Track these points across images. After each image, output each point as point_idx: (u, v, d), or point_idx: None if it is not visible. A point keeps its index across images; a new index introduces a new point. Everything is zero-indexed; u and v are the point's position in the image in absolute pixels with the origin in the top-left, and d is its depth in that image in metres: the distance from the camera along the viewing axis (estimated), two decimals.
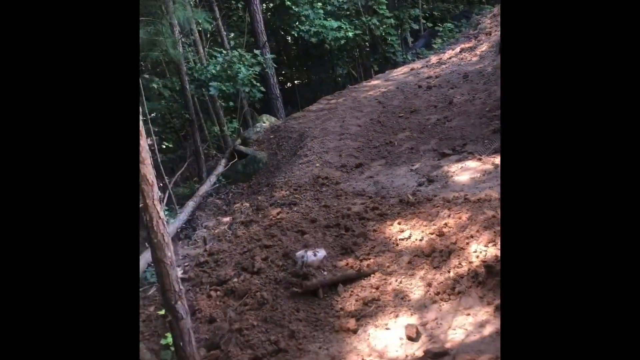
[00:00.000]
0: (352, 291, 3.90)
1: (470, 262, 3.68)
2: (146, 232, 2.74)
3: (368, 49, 13.77)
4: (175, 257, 6.01)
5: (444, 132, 6.73)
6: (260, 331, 3.60)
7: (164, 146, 11.95)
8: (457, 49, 10.98)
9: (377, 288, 3.84)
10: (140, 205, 2.58)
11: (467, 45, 11.03)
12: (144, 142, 2.51)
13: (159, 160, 8.09)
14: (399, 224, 4.62)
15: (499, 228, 3.82)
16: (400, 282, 3.85)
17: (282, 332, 3.56)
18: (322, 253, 4.22)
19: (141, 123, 2.41)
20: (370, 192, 5.53)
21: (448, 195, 4.90)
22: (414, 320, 3.44)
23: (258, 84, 9.38)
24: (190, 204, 7.32)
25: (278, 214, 5.49)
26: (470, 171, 5.31)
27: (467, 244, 3.86)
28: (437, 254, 3.95)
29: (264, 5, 12.97)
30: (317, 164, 6.63)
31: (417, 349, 3.22)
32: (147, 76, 9.50)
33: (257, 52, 9.81)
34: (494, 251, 3.61)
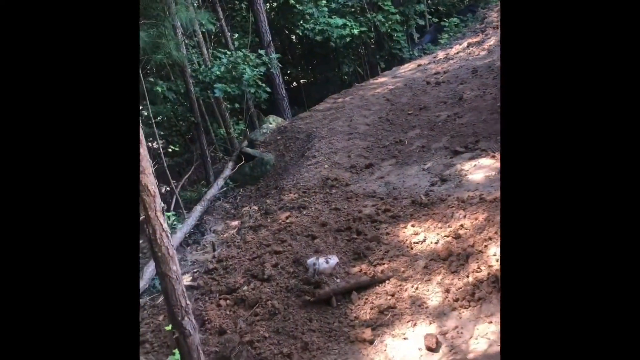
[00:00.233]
0: (366, 299, 3.75)
1: (490, 266, 3.51)
2: (149, 245, 2.60)
3: (374, 46, 13.57)
4: (184, 263, 5.92)
5: (455, 129, 6.55)
6: (272, 343, 3.46)
7: (170, 150, 11.86)
8: (465, 44, 10.77)
9: (392, 295, 3.68)
10: (142, 217, 2.44)
11: (474, 39, 10.83)
12: (145, 151, 2.37)
13: (166, 164, 7.99)
14: (413, 226, 4.46)
15: None
16: (417, 288, 3.69)
17: (295, 344, 3.42)
18: (334, 260, 4.06)
19: (140, 130, 2.26)
20: (381, 193, 5.37)
21: (462, 195, 4.73)
22: (433, 329, 3.28)
23: (263, 85, 9.24)
24: (198, 209, 7.20)
25: (287, 218, 5.34)
26: (484, 169, 5.13)
27: (486, 246, 3.69)
28: (454, 258, 3.79)
29: (267, 4, 12.82)
30: (326, 165, 6.48)
31: None
32: (151, 79, 9.38)
33: (261, 52, 9.66)
34: None
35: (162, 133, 10.54)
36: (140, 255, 5.85)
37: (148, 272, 5.21)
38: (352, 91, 9.78)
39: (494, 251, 3.59)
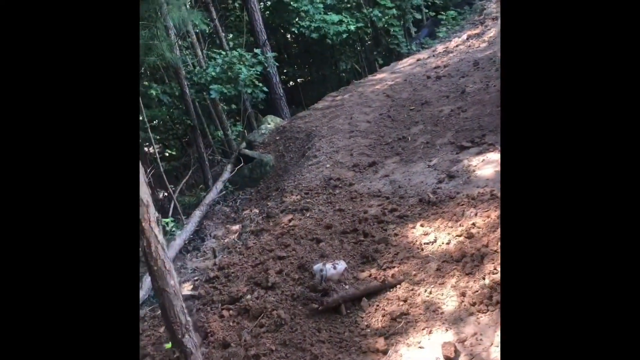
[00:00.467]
0: (377, 305, 3.54)
1: None
2: (144, 258, 2.40)
3: (371, 42, 13.37)
4: (184, 270, 5.72)
5: (459, 123, 6.36)
6: (279, 357, 3.26)
7: (167, 154, 11.65)
8: (464, 36, 10.57)
9: (405, 300, 3.48)
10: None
11: (473, 32, 10.63)
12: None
13: (162, 169, 7.79)
14: (422, 226, 4.26)
15: None
16: (430, 293, 3.49)
17: (304, 357, 3.21)
18: (342, 265, 3.86)
19: None
20: (386, 193, 5.17)
21: (472, 191, 4.54)
22: (450, 336, 3.08)
23: (260, 84, 9.05)
24: (197, 214, 7.01)
25: (290, 221, 5.15)
26: (493, 164, 4.93)
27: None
28: (468, 259, 3.59)
29: (261, 3, 12.61)
30: (328, 165, 6.28)
31: None
32: (145, 82, 9.18)
33: (257, 51, 9.46)
34: None
35: (158, 137, 10.33)
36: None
37: (147, 281, 5.01)
38: (351, 88, 9.58)
39: None
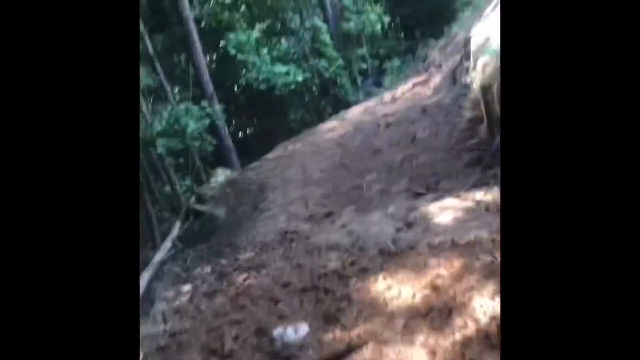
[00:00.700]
0: None
1: (477, 320, 3.15)
2: None
3: (319, 92, 13.50)
4: None
5: (413, 170, 6.34)
6: None
7: None
8: (410, 84, 10.79)
9: None
10: None
11: (419, 79, 10.87)
12: None
13: None
14: (385, 279, 4.08)
15: None
16: (399, 352, 3.27)
17: None
18: (304, 329, 3.61)
19: None
20: (345, 244, 5.00)
21: (432, 240, 4.42)
22: None
23: (209, 137, 8.86)
24: (145, 275, 6.62)
25: (245, 280, 4.87)
26: (450, 210, 4.87)
27: (469, 298, 3.35)
28: (435, 313, 3.41)
29: (207, 56, 12.56)
30: (283, 217, 6.09)
31: None
32: None
33: (204, 103, 9.31)
34: None
35: None
36: None
37: None
38: (302, 137, 9.53)
39: (479, 302, 3.25)
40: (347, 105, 12.25)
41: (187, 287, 6.20)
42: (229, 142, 10.88)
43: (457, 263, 3.82)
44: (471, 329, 3.13)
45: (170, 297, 6.18)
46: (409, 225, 4.90)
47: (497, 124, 5.66)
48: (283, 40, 12.44)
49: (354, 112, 10.44)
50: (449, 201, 5.05)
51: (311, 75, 12.26)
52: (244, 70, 11.50)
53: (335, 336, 3.57)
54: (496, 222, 4.35)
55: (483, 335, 3.05)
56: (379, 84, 13.01)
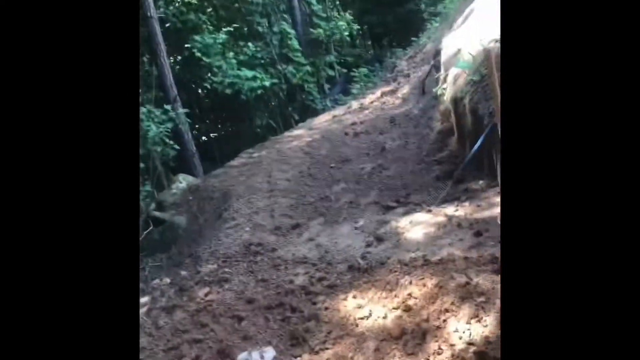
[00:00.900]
0: None
1: (453, 346, 3.01)
2: None
3: (285, 98, 13.29)
4: None
5: (382, 182, 6.21)
6: None
7: None
8: (378, 93, 10.70)
9: None
10: None
11: (387, 88, 10.80)
12: None
13: None
14: (355, 297, 3.92)
15: (479, 299, 3.21)
16: None
17: None
18: (270, 353, 3.39)
19: None
20: (313, 259, 4.81)
21: (403, 256, 4.28)
22: None
23: (171, 142, 8.53)
24: None
25: (206, 294, 4.62)
26: (421, 225, 4.75)
27: (444, 321, 3.21)
28: (408, 337, 3.26)
29: (171, 58, 12.18)
30: (247, 228, 5.84)
31: None
32: None
33: (167, 107, 8.98)
34: (480, 330, 2.98)
35: None
36: None
37: None
38: (268, 145, 9.28)
39: (454, 326, 3.11)
40: (314, 112, 12.09)
41: (144, 299, 5.87)
42: (192, 147, 10.52)
43: (430, 282, 3.68)
44: (446, 354, 2.99)
45: None
46: (379, 239, 4.75)
47: (469, 136, 5.59)
48: (250, 45, 12.17)
49: (322, 120, 10.28)
50: (420, 216, 4.93)
51: (278, 80, 12.04)
52: (209, 73, 11.18)
53: None
54: (468, 238, 4.25)
55: None
56: (346, 92, 12.90)
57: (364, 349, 3.34)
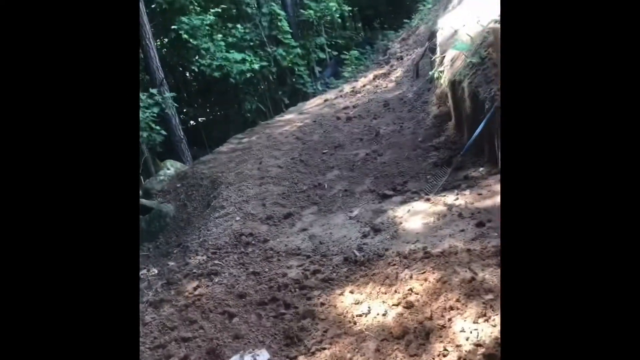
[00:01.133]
0: None
1: (459, 347, 2.82)
2: None
3: (275, 82, 12.97)
4: None
5: (377, 168, 5.98)
6: None
7: None
8: (370, 76, 10.44)
9: None
10: None
11: (380, 71, 10.54)
12: None
13: None
14: (352, 292, 3.72)
15: (487, 296, 3.02)
16: None
17: None
18: (264, 355, 3.19)
19: None
20: (307, 250, 4.59)
21: (402, 248, 4.08)
22: None
23: (157, 127, 8.24)
24: None
25: (195, 288, 4.40)
26: (420, 215, 4.54)
27: (449, 319, 3.02)
28: (411, 336, 3.07)
29: (157, 40, 11.80)
30: (238, 217, 5.61)
31: None
32: None
33: (153, 91, 8.66)
34: (489, 330, 2.79)
35: None
36: None
37: None
38: (258, 130, 9.01)
39: (460, 326, 2.92)
40: (305, 96, 11.82)
41: None
42: (179, 132, 10.24)
43: (431, 277, 3.49)
44: (452, 356, 2.80)
45: None
46: (376, 230, 4.54)
47: (467, 121, 5.38)
48: (239, 26, 11.80)
49: (313, 104, 10.01)
50: (418, 205, 4.72)
51: (268, 63, 11.71)
52: (197, 56, 10.83)
53: None
54: (470, 229, 4.05)
55: None
56: (337, 75, 12.61)
57: (363, 349, 3.14)
